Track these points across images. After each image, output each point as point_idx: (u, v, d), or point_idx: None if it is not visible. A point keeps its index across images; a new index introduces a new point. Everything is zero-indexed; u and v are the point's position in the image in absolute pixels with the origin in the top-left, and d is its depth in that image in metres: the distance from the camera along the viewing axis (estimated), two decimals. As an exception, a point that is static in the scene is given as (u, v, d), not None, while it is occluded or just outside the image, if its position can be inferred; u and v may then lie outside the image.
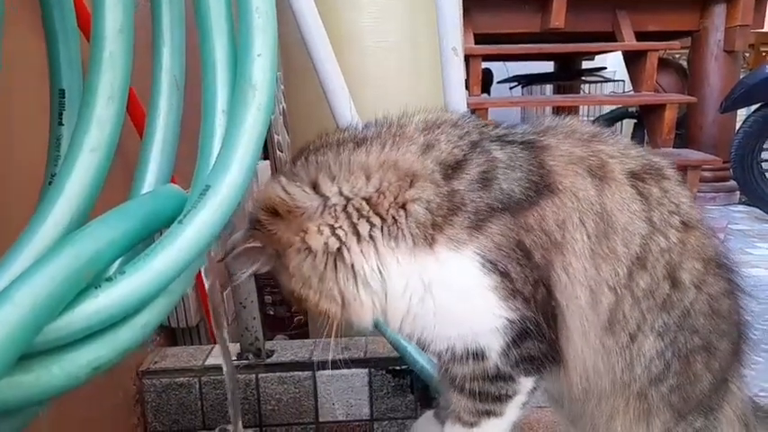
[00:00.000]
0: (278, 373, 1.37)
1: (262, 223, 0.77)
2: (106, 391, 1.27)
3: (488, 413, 0.88)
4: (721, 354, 0.94)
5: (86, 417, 1.17)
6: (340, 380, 1.37)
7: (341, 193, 0.78)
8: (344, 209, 0.78)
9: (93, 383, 1.17)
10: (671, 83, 4.28)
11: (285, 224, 0.77)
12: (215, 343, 1.53)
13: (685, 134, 3.96)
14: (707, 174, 3.71)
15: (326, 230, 0.78)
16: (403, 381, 1.37)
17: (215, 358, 1.41)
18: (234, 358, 1.40)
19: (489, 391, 0.86)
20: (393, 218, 0.77)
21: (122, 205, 0.59)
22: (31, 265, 0.49)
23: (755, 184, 3.34)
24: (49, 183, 0.66)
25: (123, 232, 0.55)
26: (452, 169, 0.79)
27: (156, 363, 1.41)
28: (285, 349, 1.45)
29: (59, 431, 1.08)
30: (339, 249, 0.78)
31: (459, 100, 1.40)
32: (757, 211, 3.51)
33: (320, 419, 1.39)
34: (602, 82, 4.86)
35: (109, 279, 0.53)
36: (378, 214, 0.77)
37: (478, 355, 0.83)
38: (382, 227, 0.78)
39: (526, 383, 0.87)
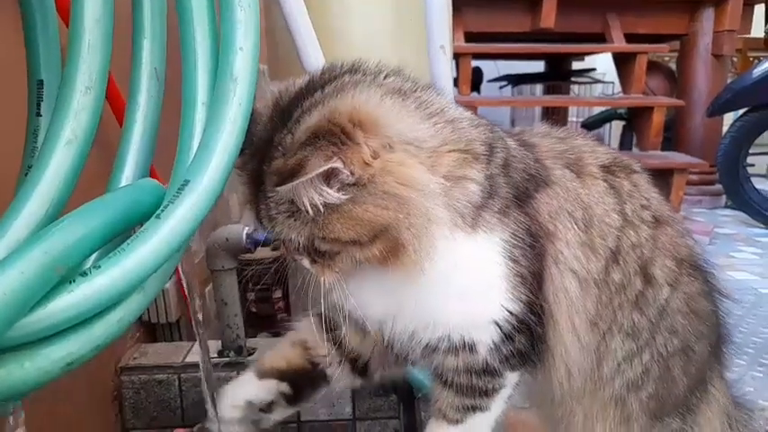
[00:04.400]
0: (260, 371, 1.36)
1: (350, 136, 0.65)
2: (84, 387, 1.25)
3: (474, 408, 0.87)
4: (698, 357, 0.95)
5: (63, 414, 1.15)
6: (322, 378, 1.36)
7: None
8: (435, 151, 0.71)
9: (70, 380, 1.16)
10: (660, 86, 4.31)
11: (379, 141, 0.67)
12: (195, 340, 1.51)
13: (673, 137, 3.99)
14: (693, 177, 3.73)
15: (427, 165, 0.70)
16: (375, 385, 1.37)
17: (195, 356, 1.39)
18: (214, 355, 1.39)
19: (476, 385, 0.85)
20: (448, 188, 0.73)
21: (98, 199, 0.57)
22: (1, 259, 0.48)
23: (741, 189, 3.36)
24: (25, 174, 0.65)
25: (98, 227, 0.54)
26: (490, 152, 0.79)
27: (135, 359, 1.39)
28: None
29: (34, 429, 1.06)
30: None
31: (446, 84, 1.40)
32: (742, 215, 3.54)
33: (302, 419, 1.38)
34: (591, 83, 4.88)
35: (83, 274, 0.52)
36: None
37: (469, 348, 0.82)
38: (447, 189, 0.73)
39: (512, 378, 0.86)
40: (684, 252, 0.93)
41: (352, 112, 0.67)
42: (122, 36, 0.72)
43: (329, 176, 0.65)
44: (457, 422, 0.89)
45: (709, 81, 3.79)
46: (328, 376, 0.94)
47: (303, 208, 0.65)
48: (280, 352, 0.93)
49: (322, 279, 0.74)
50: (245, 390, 0.89)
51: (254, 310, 2.00)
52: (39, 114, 0.72)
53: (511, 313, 0.80)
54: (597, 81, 4.95)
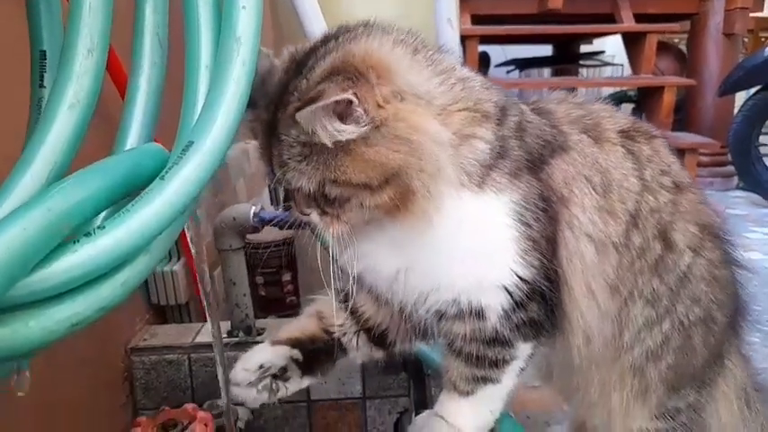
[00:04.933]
0: (269, 351, 1.36)
1: (364, 75, 0.65)
2: (94, 369, 1.25)
3: (485, 380, 0.86)
4: (718, 327, 0.93)
5: (74, 395, 1.16)
6: (332, 357, 1.36)
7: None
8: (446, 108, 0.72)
9: (81, 362, 1.16)
10: (670, 67, 4.26)
11: (392, 87, 0.67)
12: (205, 321, 1.51)
13: (683, 118, 3.95)
14: (704, 158, 3.69)
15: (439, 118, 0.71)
16: (395, 358, 1.36)
17: (204, 336, 1.39)
18: (224, 335, 1.39)
19: (486, 355, 0.84)
20: (456, 146, 0.73)
21: (102, 161, 0.57)
22: (3, 217, 0.47)
23: (752, 169, 3.33)
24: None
25: (101, 188, 0.53)
26: (503, 114, 0.78)
27: (145, 340, 1.39)
28: (276, 328, 1.43)
29: (47, 411, 1.07)
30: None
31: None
32: (754, 196, 3.50)
33: (312, 397, 1.38)
34: (600, 66, 4.83)
35: (88, 234, 0.51)
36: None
37: (479, 315, 0.81)
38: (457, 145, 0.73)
39: (524, 349, 0.85)
40: (706, 218, 0.91)
41: (365, 55, 0.67)
42: (124, 3, 0.72)
43: (343, 113, 0.65)
44: (467, 394, 0.88)
45: (721, 61, 3.74)
46: (344, 346, 0.94)
47: (318, 139, 0.65)
48: (295, 324, 0.93)
49: (331, 231, 0.73)
50: (258, 355, 0.89)
51: (262, 293, 2.00)
52: (42, 86, 0.71)
53: (521, 279, 0.79)
54: (606, 64, 4.89)
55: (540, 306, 0.82)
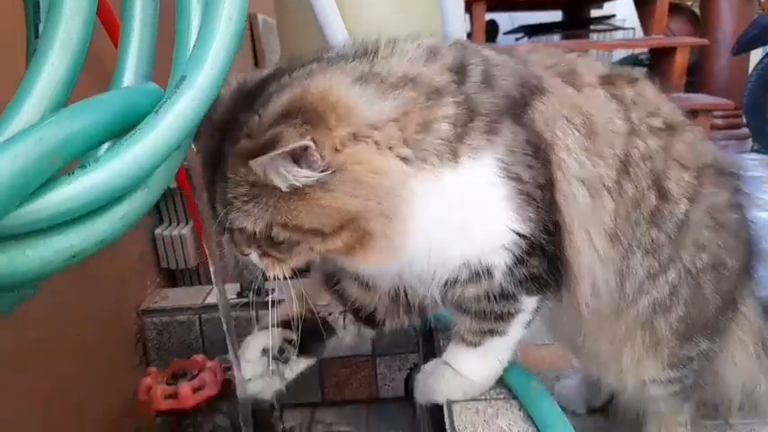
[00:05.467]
0: (279, 310, 1.36)
1: (322, 118, 0.64)
2: (107, 331, 1.27)
3: (492, 332, 0.87)
4: (729, 273, 0.92)
5: (89, 359, 1.17)
6: (341, 316, 1.36)
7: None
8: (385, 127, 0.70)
9: (94, 325, 1.17)
10: (682, 29, 4.16)
11: (349, 129, 0.66)
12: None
13: (696, 81, 3.87)
14: (719, 121, 3.63)
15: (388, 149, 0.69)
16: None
17: (214, 297, 1.40)
18: (233, 296, 1.39)
19: (493, 310, 0.84)
20: (420, 140, 0.71)
21: (96, 96, 0.56)
22: (-5, 146, 0.47)
23: (767, 130, 3.27)
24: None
25: (95, 122, 0.53)
26: (460, 74, 0.76)
27: (156, 302, 1.41)
28: (285, 288, 1.44)
29: (59, 373, 1.08)
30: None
31: (458, 30, 1.37)
32: (770, 158, 3.45)
33: (323, 355, 1.39)
34: (611, 30, 4.74)
35: (83, 167, 0.51)
36: (405, 139, 0.71)
37: (486, 274, 0.81)
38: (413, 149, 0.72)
39: (529, 302, 0.85)
40: (707, 159, 0.89)
41: (325, 94, 0.65)
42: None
43: (298, 158, 0.63)
44: (475, 345, 0.88)
45: (735, 20, 3.66)
46: (331, 325, 0.94)
47: (272, 183, 0.64)
48: (281, 308, 0.94)
49: (272, 274, 0.72)
50: (255, 343, 0.91)
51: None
52: (37, 36, 0.71)
53: (519, 235, 0.78)
54: (617, 28, 4.80)
55: (542, 259, 0.81)
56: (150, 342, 1.38)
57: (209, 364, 0.99)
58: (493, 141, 0.75)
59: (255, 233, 0.68)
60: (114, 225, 0.54)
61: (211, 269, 0.95)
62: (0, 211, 0.45)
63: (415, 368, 1.38)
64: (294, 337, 0.91)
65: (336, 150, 0.64)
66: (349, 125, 0.65)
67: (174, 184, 1.44)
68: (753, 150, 3.79)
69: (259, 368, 0.89)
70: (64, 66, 0.58)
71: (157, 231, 1.50)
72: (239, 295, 1.39)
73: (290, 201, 0.65)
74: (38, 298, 1.00)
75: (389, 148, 0.68)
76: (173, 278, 1.57)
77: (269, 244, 0.70)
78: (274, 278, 0.73)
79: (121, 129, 0.57)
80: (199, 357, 1.02)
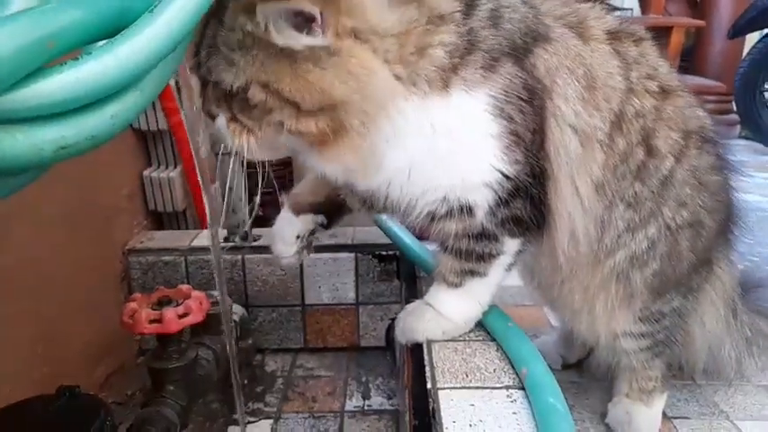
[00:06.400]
0: (264, 255, 1.38)
1: (335, 2, 0.64)
2: (92, 270, 1.27)
3: (472, 272, 0.88)
4: (707, 232, 0.93)
5: (74, 298, 1.18)
6: (327, 264, 1.38)
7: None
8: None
9: (79, 264, 1.18)
10: (680, 11, 4.15)
11: (354, 24, 0.66)
12: (202, 228, 1.53)
13: (691, 65, 3.88)
14: (709, 105, 3.64)
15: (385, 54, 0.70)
16: (389, 266, 1.38)
17: (201, 240, 1.41)
18: (220, 241, 1.40)
19: (474, 249, 0.85)
20: (414, 62, 0.72)
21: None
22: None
23: (757, 115, 3.29)
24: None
25: (91, 12, 0.52)
26: (468, 6, 0.76)
27: (142, 243, 1.41)
28: (271, 234, 1.44)
29: (46, 306, 1.09)
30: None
31: None
32: (757, 144, 3.48)
33: (306, 302, 1.41)
34: (609, 10, 4.73)
35: (75, 59, 0.51)
36: (401, 57, 0.71)
37: (467, 211, 0.82)
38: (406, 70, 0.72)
39: (511, 244, 0.86)
40: (694, 124, 0.90)
41: None
42: None
43: (300, 26, 0.63)
44: (456, 286, 0.89)
45: (733, 3, 3.66)
46: (348, 206, 0.98)
47: (268, 37, 0.63)
48: (308, 188, 0.98)
49: (236, 142, 0.71)
50: (290, 228, 0.97)
51: (260, 213, 2.01)
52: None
53: (504, 175, 0.79)
54: (615, 8, 4.77)
55: (525, 202, 0.82)
56: (135, 281, 1.39)
57: (195, 293, 1.00)
58: (489, 78, 0.75)
59: (231, 88, 0.68)
60: (105, 122, 0.53)
61: (206, 208, 0.96)
62: (-1, 84, 0.45)
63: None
64: (325, 220, 0.98)
65: (337, 35, 0.65)
66: (355, 20, 0.66)
67: (164, 126, 1.43)
68: (740, 136, 3.83)
69: (293, 249, 0.97)
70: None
71: (146, 173, 1.49)
72: (226, 239, 1.40)
73: (279, 62, 0.65)
74: (26, 233, 1.01)
75: (385, 61, 0.69)
76: (160, 221, 1.57)
77: (241, 106, 0.70)
78: (236, 153, 0.73)
79: (115, 28, 0.57)
80: (184, 287, 1.03)
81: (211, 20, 0.67)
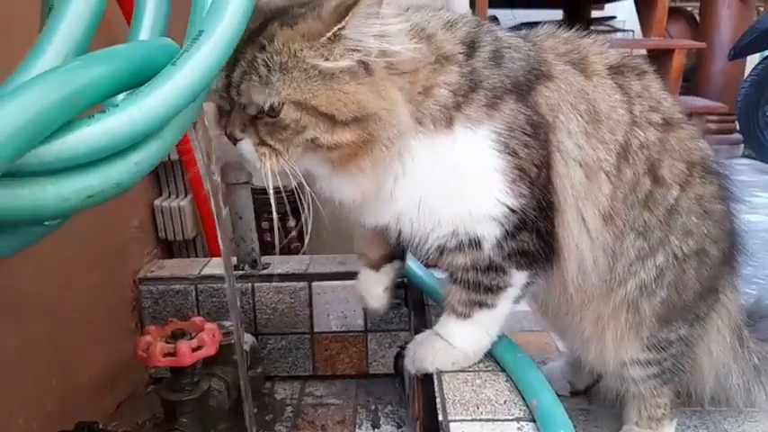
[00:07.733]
0: (274, 284, 1.39)
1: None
2: (104, 298, 1.29)
3: (481, 304, 0.89)
4: (711, 261, 0.95)
5: (85, 324, 1.19)
6: (335, 291, 1.39)
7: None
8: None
9: (91, 292, 1.19)
10: (681, 33, 4.21)
11: None
12: (212, 256, 1.54)
13: (692, 85, 3.91)
14: (711, 125, 3.67)
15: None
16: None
17: (211, 268, 1.42)
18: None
19: (482, 281, 0.87)
20: (420, 102, 0.76)
21: (116, 47, 0.58)
22: (25, 82, 0.49)
23: (760, 135, 3.31)
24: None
25: (115, 68, 0.54)
26: (470, 48, 0.79)
27: (152, 271, 1.42)
28: (281, 263, 1.46)
29: (57, 334, 1.10)
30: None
31: (463, 7, 1.39)
32: (761, 164, 3.49)
33: (315, 330, 1.41)
34: (611, 32, 4.76)
35: (102, 112, 0.53)
36: (410, 94, 0.76)
37: (475, 245, 0.84)
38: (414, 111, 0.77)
39: (518, 277, 0.88)
40: (697, 155, 0.92)
41: None
42: None
43: None
44: (465, 316, 0.91)
45: (733, 26, 3.69)
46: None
47: (363, 47, 0.69)
48: (371, 243, 1.02)
49: (266, 165, 0.73)
50: (378, 285, 1.04)
51: (268, 239, 2.03)
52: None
53: (510, 209, 0.81)
54: (617, 30, 4.82)
55: (532, 235, 0.84)
56: (146, 310, 1.40)
57: (208, 326, 1.01)
58: (492, 116, 0.78)
59: (262, 109, 0.70)
60: (129, 169, 0.55)
61: (219, 237, 0.97)
62: (29, 142, 0.46)
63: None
64: (397, 265, 1.05)
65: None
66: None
67: (175, 156, 1.45)
68: (743, 156, 3.84)
69: (385, 301, 1.06)
70: (85, 12, 0.60)
71: (156, 202, 1.51)
72: (236, 267, 1.41)
73: (315, 82, 0.69)
74: (39, 263, 1.03)
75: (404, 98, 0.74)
76: (170, 249, 1.58)
77: (269, 129, 0.72)
78: (263, 176, 0.74)
79: (139, 80, 0.59)
80: (197, 319, 1.05)
81: (247, 47, 0.70)
